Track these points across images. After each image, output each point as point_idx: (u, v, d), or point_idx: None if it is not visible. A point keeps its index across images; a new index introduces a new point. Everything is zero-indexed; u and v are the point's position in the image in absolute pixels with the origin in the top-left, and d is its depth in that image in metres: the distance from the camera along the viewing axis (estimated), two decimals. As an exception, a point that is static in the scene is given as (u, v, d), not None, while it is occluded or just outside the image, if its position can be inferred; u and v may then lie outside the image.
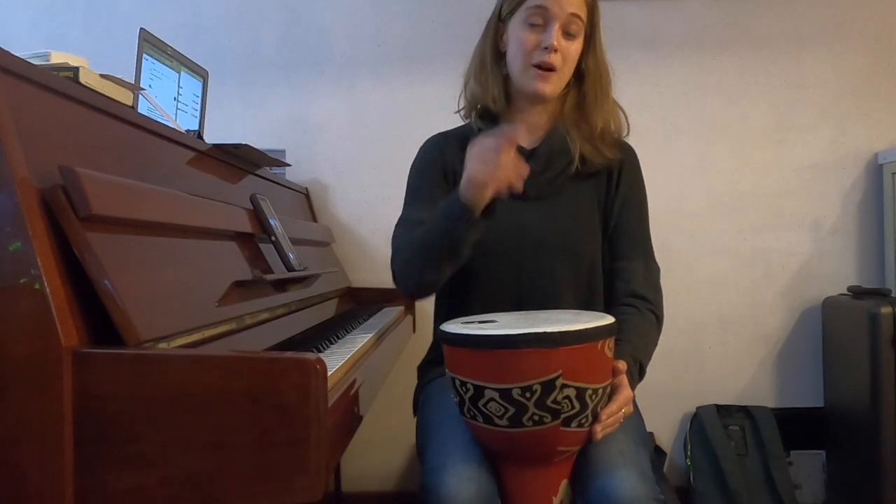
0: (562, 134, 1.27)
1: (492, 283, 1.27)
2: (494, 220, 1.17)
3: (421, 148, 1.38)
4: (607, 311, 1.32)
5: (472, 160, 1.08)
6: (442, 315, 1.33)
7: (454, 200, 1.11)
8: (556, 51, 1.21)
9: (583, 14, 1.24)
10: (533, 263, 1.25)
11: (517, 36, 1.24)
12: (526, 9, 1.23)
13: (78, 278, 0.78)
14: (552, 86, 1.23)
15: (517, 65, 1.25)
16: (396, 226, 1.30)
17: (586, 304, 1.27)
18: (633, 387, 1.12)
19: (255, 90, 2.27)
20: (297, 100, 2.27)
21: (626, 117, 1.32)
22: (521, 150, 1.29)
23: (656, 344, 1.26)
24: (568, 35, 1.23)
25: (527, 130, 1.30)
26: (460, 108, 1.37)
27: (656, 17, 2.22)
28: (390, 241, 1.33)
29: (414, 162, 1.37)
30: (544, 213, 1.27)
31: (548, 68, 1.22)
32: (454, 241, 1.13)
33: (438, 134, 1.39)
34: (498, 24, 1.30)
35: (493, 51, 1.30)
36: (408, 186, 1.35)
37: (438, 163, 1.33)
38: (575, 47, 1.25)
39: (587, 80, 1.29)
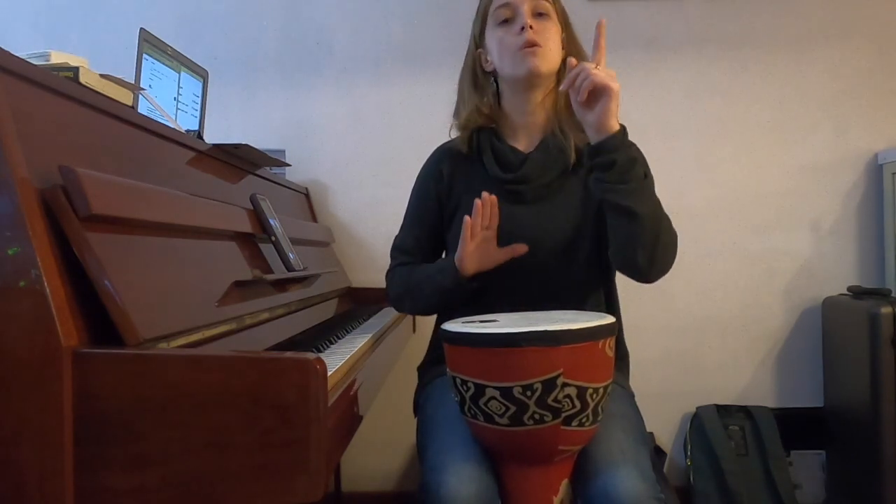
0: (558, 134, 1.28)
1: (490, 285, 1.27)
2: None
3: (424, 163, 1.41)
4: (607, 309, 1.32)
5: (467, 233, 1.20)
6: (442, 315, 1.34)
7: (448, 262, 1.24)
8: (531, 27, 1.23)
9: None
10: (529, 265, 1.26)
11: (495, 39, 1.28)
12: (492, 14, 1.28)
13: (78, 278, 0.78)
14: (541, 60, 1.25)
15: (505, 60, 1.27)
16: (392, 247, 1.41)
17: (584, 304, 1.27)
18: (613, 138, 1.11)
19: (255, 90, 2.27)
20: (297, 100, 2.27)
21: None
22: (518, 153, 1.30)
23: (661, 211, 1.17)
24: (540, 16, 1.26)
25: (526, 134, 1.33)
26: (452, 139, 1.39)
27: (656, 17, 2.22)
28: (391, 243, 1.42)
29: (417, 178, 1.41)
30: (542, 216, 1.28)
31: (532, 45, 1.23)
32: (442, 292, 1.27)
33: (443, 145, 1.41)
34: (476, 51, 1.34)
35: (479, 74, 1.34)
36: (408, 204, 1.42)
37: (433, 185, 1.37)
38: (553, 28, 1.27)
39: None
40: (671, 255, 1.19)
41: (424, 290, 1.30)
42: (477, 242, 1.21)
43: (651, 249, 1.15)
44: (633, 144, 1.15)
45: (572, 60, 1.13)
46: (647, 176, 1.15)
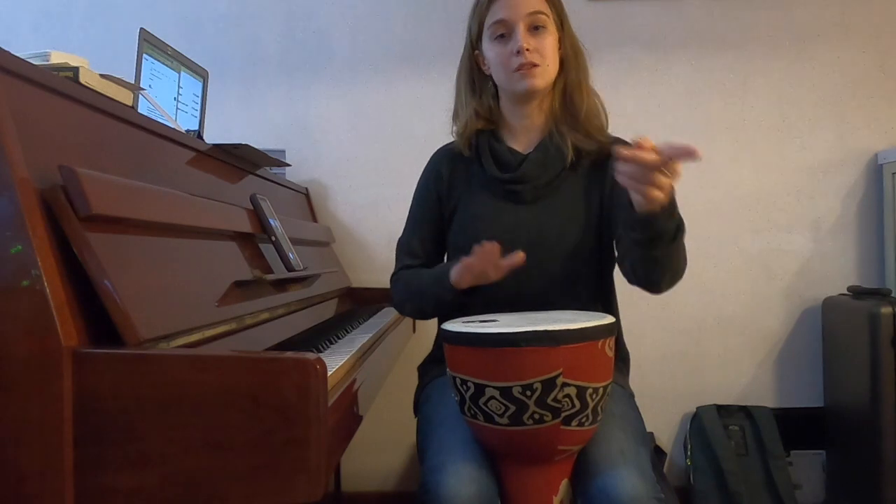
0: (556, 135, 1.28)
1: (490, 285, 1.27)
2: (493, 223, 1.29)
3: (426, 165, 1.41)
4: (606, 309, 1.32)
5: (465, 269, 1.17)
6: (443, 315, 1.34)
7: (444, 276, 1.21)
8: (528, 50, 1.22)
9: (543, 8, 1.25)
10: (529, 265, 1.25)
11: (492, 54, 1.28)
12: (488, 28, 1.27)
13: (78, 278, 0.78)
14: (539, 79, 1.24)
15: (502, 77, 1.28)
16: (397, 249, 1.40)
17: (584, 305, 1.27)
18: (668, 208, 1.01)
19: (255, 90, 2.27)
20: (297, 100, 2.27)
21: (603, 106, 1.32)
22: (516, 154, 1.30)
23: (683, 251, 1.16)
24: (535, 30, 1.25)
25: (524, 135, 1.32)
26: (452, 140, 1.38)
27: (656, 17, 2.22)
28: (391, 243, 1.43)
29: (419, 179, 1.41)
30: (540, 216, 1.28)
31: (528, 67, 1.23)
32: (441, 303, 1.27)
33: (443, 147, 1.41)
34: (473, 53, 1.33)
35: (477, 75, 1.33)
36: (410, 206, 1.41)
37: (433, 184, 1.37)
38: (549, 40, 1.26)
39: (569, 66, 1.30)
40: (682, 274, 1.20)
41: (424, 297, 1.30)
42: (475, 274, 1.16)
43: (669, 281, 1.17)
44: (671, 216, 1.04)
45: (621, 152, 0.95)
46: (676, 238, 1.08)
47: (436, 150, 1.42)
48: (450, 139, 1.40)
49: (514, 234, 1.27)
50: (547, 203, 1.29)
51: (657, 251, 1.08)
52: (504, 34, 1.25)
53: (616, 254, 1.28)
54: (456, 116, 1.37)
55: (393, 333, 1.57)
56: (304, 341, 1.23)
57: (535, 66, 1.23)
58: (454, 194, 1.35)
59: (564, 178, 1.29)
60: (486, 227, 1.29)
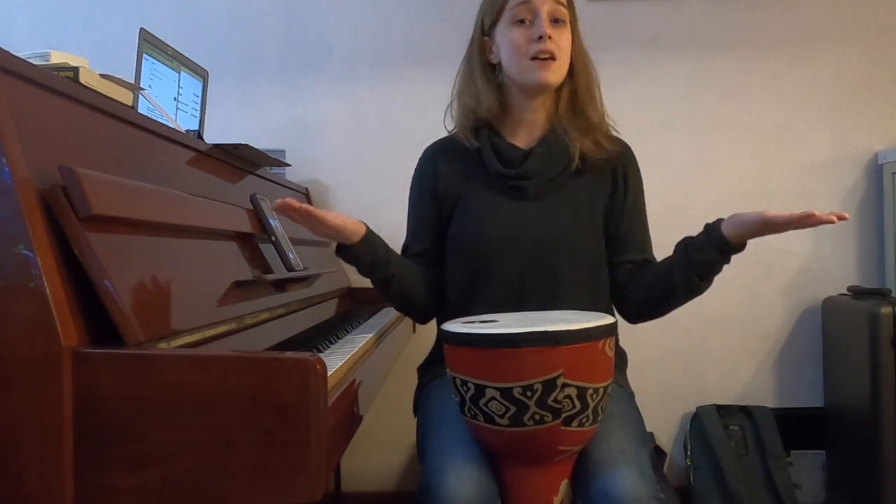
0: (560, 133, 1.27)
1: (493, 283, 1.27)
2: (496, 221, 1.27)
3: (417, 164, 1.39)
4: (607, 309, 1.32)
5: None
6: (444, 315, 1.33)
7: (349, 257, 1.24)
8: (549, 38, 1.21)
9: (565, 2, 1.25)
10: (534, 262, 1.25)
11: (508, 38, 1.25)
12: (510, 10, 1.25)
13: (78, 278, 0.78)
14: (553, 74, 1.23)
15: (515, 64, 1.24)
16: (400, 252, 1.40)
17: (588, 303, 1.27)
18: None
19: (255, 90, 2.27)
20: (297, 100, 2.27)
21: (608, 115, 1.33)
22: (518, 150, 1.29)
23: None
24: (556, 23, 1.24)
25: (525, 131, 1.31)
26: (450, 130, 1.37)
27: (656, 17, 2.22)
28: (391, 243, 1.41)
29: (411, 181, 1.40)
30: (545, 212, 1.27)
31: (546, 57, 1.22)
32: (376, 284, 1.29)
33: (434, 144, 1.39)
34: (482, 39, 1.31)
35: (482, 64, 1.31)
36: (408, 210, 1.41)
37: (428, 183, 1.35)
38: (566, 35, 1.25)
39: (577, 73, 1.29)
40: None
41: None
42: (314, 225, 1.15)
43: (668, 310, 1.27)
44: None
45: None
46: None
47: (424, 149, 1.40)
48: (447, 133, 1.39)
49: (517, 231, 1.26)
50: (551, 201, 1.28)
51: (706, 280, 1.20)
52: (525, 20, 1.23)
53: (613, 279, 1.31)
54: (456, 100, 1.34)
55: (393, 333, 1.56)
56: (304, 341, 1.23)
57: (553, 59, 1.22)
58: (453, 191, 1.32)
59: (568, 179, 1.28)
60: (489, 224, 1.28)
